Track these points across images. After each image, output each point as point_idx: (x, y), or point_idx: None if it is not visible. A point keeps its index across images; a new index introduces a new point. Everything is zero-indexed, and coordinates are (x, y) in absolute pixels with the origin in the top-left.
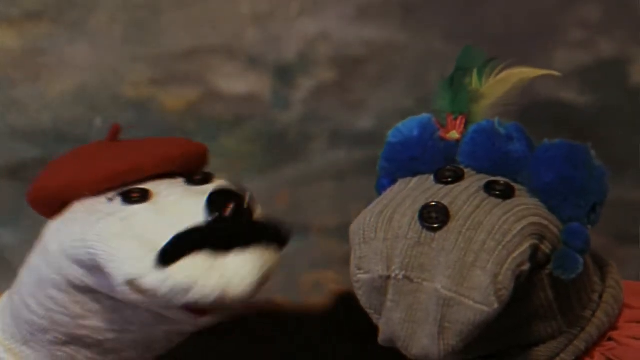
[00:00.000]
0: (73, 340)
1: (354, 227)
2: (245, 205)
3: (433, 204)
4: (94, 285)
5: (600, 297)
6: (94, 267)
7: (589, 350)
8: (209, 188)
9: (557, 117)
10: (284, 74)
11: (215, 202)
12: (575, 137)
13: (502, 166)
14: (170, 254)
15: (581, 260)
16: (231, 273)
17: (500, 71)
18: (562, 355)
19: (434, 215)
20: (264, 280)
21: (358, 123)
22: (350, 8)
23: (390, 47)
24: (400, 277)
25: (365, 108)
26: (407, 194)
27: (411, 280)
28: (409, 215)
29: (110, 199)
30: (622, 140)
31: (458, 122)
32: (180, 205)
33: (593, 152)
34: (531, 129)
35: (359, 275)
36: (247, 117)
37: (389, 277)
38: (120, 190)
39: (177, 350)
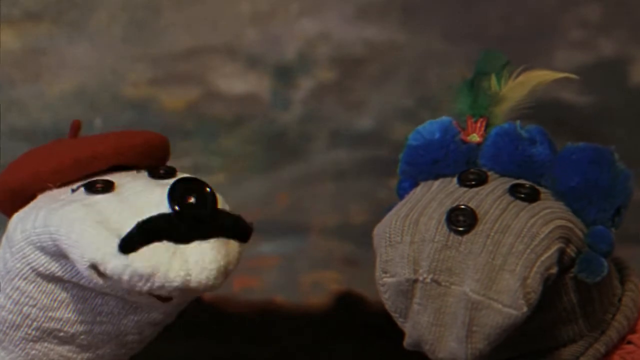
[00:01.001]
0: (45, 335)
1: (378, 231)
2: (208, 196)
3: (462, 207)
4: (59, 272)
5: (620, 300)
6: (58, 253)
7: (608, 354)
8: (172, 181)
9: (557, 117)
10: (284, 74)
11: (177, 192)
12: (575, 137)
13: (525, 169)
14: (133, 241)
15: (606, 263)
16: (193, 261)
17: (519, 74)
18: (581, 358)
19: (461, 218)
20: (226, 270)
21: (358, 123)
22: (350, 8)
23: (390, 47)
24: (428, 280)
25: (365, 108)
26: (432, 197)
27: (439, 284)
28: (435, 218)
29: (74, 190)
30: (622, 140)
31: (478, 125)
32: (144, 196)
33: (617, 155)
34: None
35: (385, 279)
36: (247, 117)
37: (416, 281)
38: (83, 182)
39: (177, 351)
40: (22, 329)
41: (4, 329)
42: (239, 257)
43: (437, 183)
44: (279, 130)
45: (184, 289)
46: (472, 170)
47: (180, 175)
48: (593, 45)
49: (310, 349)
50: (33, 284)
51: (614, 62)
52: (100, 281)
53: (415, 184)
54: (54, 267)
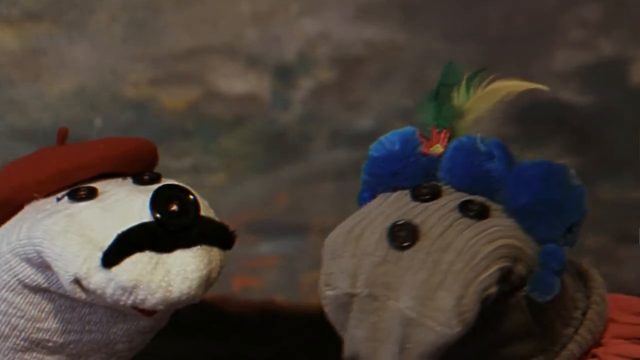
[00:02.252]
0: (34, 345)
1: (326, 242)
2: (190, 203)
3: (401, 222)
4: (45, 283)
5: (584, 314)
6: (43, 265)
7: None
8: (156, 187)
9: (557, 117)
10: (284, 74)
11: (159, 199)
12: (576, 137)
13: (480, 184)
14: (114, 254)
15: (557, 281)
16: (175, 271)
17: (489, 83)
18: None
19: (402, 234)
20: (208, 279)
21: (358, 123)
22: (350, 8)
23: (390, 47)
24: (364, 294)
25: (365, 108)
26: (382, 211)
27: (375, 299)
28: (377, 233)
29: (59, 199)
30: (622, 140)
31: (442, 135)
32: (126, 203)
33: (572, 171)
34: (531, 129)
35: (327, 292)
36: (247, 117)
37: (354, 295)
38: (68, 190)
39: (177, 351)
40: (10, 340)
41: None
42: (223, 265)
43: (393, 196)
44: (279, 130)
45: (167, 301)
46: (424, 184)
47: (164, 182)
48: (593, 45)
49: (310, 349)
50: (20, 296)
51: (614, 62)
52: (84, 295)
53: (374, 195)
54: (40, 279)
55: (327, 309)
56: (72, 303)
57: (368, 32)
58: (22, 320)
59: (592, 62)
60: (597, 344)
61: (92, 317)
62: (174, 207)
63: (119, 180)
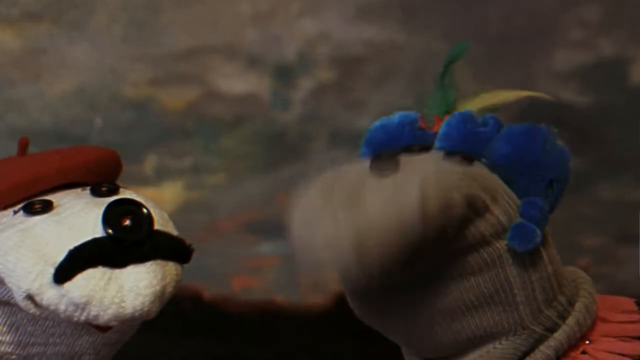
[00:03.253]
0: None
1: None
2: (143, 218)
3: (384, 157)
4: (4, 297)
5: (572, 304)
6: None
7: None
8: (111, 199)
9: (557, 117)
10: (284, 74)
11: (112, 214)
12: (576, 137)
13: (471, 145)
14: (66, 270)
15: (537, 231)
16: (128, 287)
17: (484, 92)
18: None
19: (384, 166)
20: (162, 294)
21: (358, 123)
22: (350, 8)
23: (390, 47)
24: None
25: (365, 108)
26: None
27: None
28: (361, 168)
29: (16, 212)
30: (622, 140)
31: (444, 120)
32: (80, 217)
33: (555, 134)
34: None
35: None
36: (247, 117)
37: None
38: (24, 202)
39: (177, 351)
40: None
41: None
42: (179, 279)
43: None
44: (279, 130)
45: (120, 317)
46: (416, 146)
47: (120, 195)
48: (593, 45)
49: (310, 349)
50: None
51: (614, 62)
52: (37, 311)
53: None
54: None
55: None
56: (34, 316)
57: (368, 32)
58: None
59: (592, 62)
60: (585, 338)
61: (55, 330)
62: (127, 222)
63: (78, 191)
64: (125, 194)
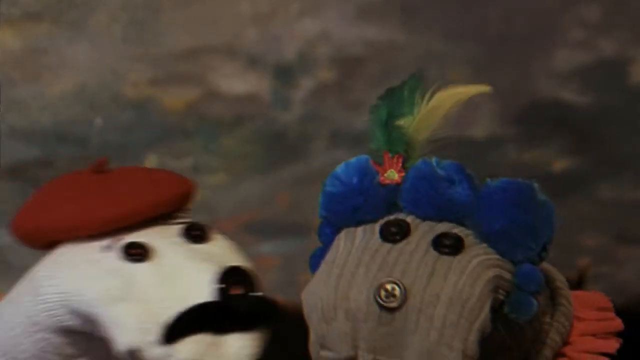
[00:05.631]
0: None
1: (309, 300)
2: (253, 286)
3: (387, 286)
4: (89, 330)
5: (552, 316)
6: (94, 321)
7: None
8: (212, 251)
9: (557, 117)
10: (284, 74)
11: (223, 281)
12: (576, 137)
13: (446, 212)
14: (175, 331)
15: (535, 302)
16: (232, 353)
17: (432, 95)
18: None
19: (389, 297)
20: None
21: (358, 123)
22: (350, 8)
23: (390, 47)
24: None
25: (365, 108)
26: (358, 259)
27: None
28: (364, 293)
29: (106, 248)
30: (622, 140)
31: (395, 160)
32: (186, 273)
33: (537, 186)
34: (531, 129)
35: (324, 353)
36: (247, 117)
37: (356, 357)
38: (115, 241)
39: None
40: None
41: None
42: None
43: (359, 234)
44: (279, 130)
45: None
46: (392, 221)
47: (215, 240)
48: (593, 45)
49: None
50: (60, 337)
51: (614, 62)
52: None
53: (336, 231)
54: (86, 327)
55: None
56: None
57: (368, 32)
58: (56, 357)
59: (592, 62)
60: (565, 343)
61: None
62: (237, 291)
63: (164, 230)
64: (218, 241)
